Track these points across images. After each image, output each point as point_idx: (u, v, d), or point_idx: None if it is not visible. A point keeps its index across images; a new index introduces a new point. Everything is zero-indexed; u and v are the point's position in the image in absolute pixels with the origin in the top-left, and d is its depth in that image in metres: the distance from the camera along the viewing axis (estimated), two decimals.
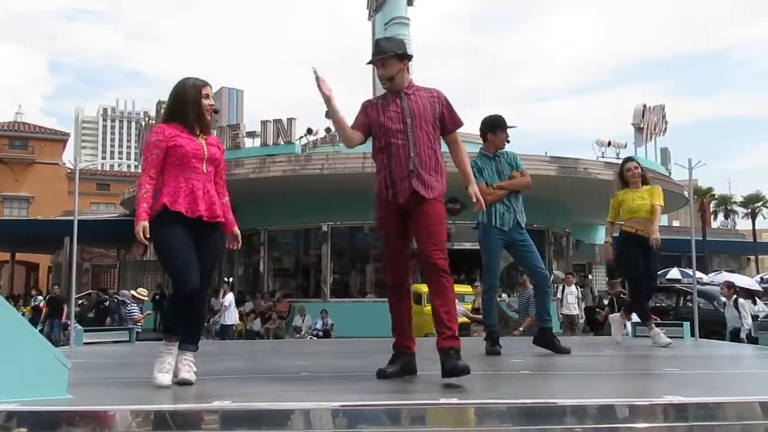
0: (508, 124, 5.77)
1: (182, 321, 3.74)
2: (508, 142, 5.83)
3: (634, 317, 7.33)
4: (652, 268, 6.50)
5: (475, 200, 3.94)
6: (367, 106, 4.07)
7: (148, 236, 3.56)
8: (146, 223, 3.57)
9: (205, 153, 3.77)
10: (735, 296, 11.69)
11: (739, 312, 11.41)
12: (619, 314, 7.04)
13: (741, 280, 17.66)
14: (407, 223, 3.91)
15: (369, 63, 4.08)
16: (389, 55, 3.97)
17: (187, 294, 3.60)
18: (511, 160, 5.75)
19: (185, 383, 3.63)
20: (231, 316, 15.76)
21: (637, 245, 6.26)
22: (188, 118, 3.77)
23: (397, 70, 3.98)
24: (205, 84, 3.88)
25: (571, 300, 14.76)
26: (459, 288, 13.29)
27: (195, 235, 3.68)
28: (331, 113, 4.00)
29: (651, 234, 6.18)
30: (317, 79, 3.90)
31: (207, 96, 3.83)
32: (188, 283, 3.59)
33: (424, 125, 3.93)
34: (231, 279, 20.92)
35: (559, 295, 15.21)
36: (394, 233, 3.95)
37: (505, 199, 5.58)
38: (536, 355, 5.45)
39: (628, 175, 6.47)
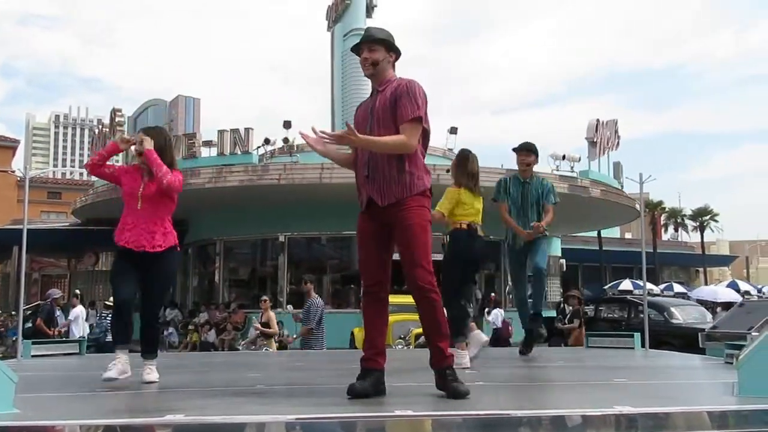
0: (525, 147, 6.22)
1: (119, 330, 4.47)
2: (528, 165, 6.23)
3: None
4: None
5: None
6: (354, 113, 3.91)
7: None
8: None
9: (140, 191, 4.41)
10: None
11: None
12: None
13: (725, 294, 18.11)
14: (381, 233, 3.67)
15: (356, 46, 3.79)
16: (376, 40, 3.75)
17: (116, 304, 4.49)
18: (539, 187, 6.20)
19: (148, 382, 4.30)
20: (79, 332, 13.68)
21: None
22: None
23: (382, 57, 3.73)
24: (139, 131, 4.64)
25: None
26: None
27: (140, 265, 4.38)
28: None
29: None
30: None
31: (138, 143, 4.47)
32: (116, 295, 4.50)
33: (384, 124, 3.62)
34: (78, 291, 19.43)
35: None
36: (365, 238, 3.72)
37: (519, 220, 6.09)
38: (490, 367, 5.49)
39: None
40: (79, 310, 13.27)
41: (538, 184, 6.25)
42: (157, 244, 4.41)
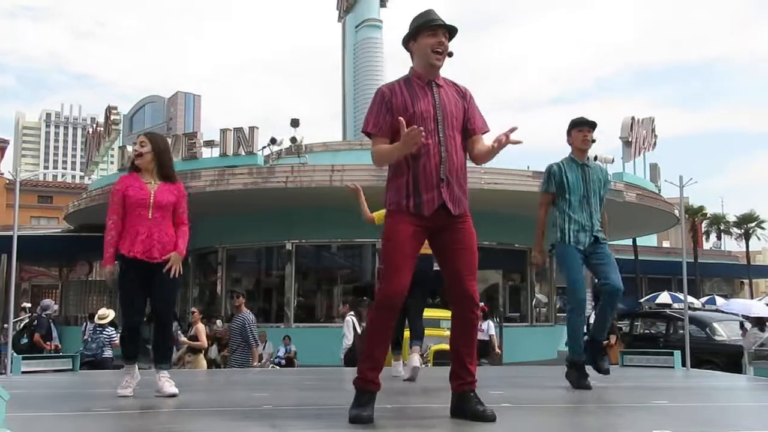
0: (589, 122, 5.57)
1: (131, 349, 4.89)
2: (594, 141, 5.63)
3: None
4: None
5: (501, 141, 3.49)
6: (389, 96, 3.61)
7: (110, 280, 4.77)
8: (113, 268, 4.72)
9: (151, 201, 4.72)
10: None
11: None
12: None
13: (759, 308, 17.90)
14: (422, 239, 3.62)
15: (431, 26, 3.62)
16: (450, 28, 3.64)
17: (128, 329, 4.85)
18: (601, 177, 5.59)
19: (171, 396, 4.63)
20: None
21: None
22: (134, 167, 4.88)
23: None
24: (139, 134, 5.04)
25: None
26: (438, 313, 13.38)
27: (147, 274, 4.68)
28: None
29: None
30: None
31: (139, 143, 4.84)
32: (127, 320, 4.83)
33: (456, 125, 3.59)
34: (25, 305, 17.79)
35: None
36: (407, 243, 3.53)
37: (580, 217, 5.42)
38: (517, 387, 5.48)
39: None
40: None
41: (597, 169, 5.63)
42: (156, 256, 4.72)
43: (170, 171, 4.92)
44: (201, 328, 11.71)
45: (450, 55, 3.64)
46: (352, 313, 12.49)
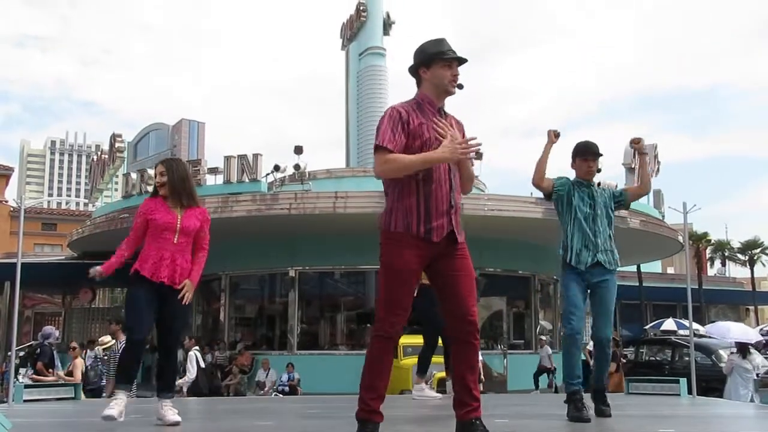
0: (594, 151, 5.34)
1: (127, 370, 4.70)
2: (599, 170, 5.49)
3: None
4: None
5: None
6: (406, 118, 3.59)
7: (96, 277, 4.75)
8: (102, 270, 4.74)
9: (178, 225, 4.74)
10: None
11: None
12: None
13: (738, 331, 17.62)
14: (423, 267, 3.59)
15: (449, 59, 3.66)
16: (462, 60, 3.72)
17: (132, 342, 4.66)
18: (603, 193, 5.36)
19: (174, 424, 4.55)
20: None
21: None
22: (158, 193, 4.86)
23: None
24: (158, 163, 4.99)
25: None
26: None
27: (161, 298, 4.66)
28: None
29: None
30: None
31: (158, 174, 4.86)
32: (134, 333, 4.64)
33: None
34: None
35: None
36: (411, 274, 3.52)
37: (588, 231, 5.18)
38: (521, 416, 5.43)
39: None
40: None
41: (601, 190, 5.41)
42: (185, 279, 4.77)
43: (189, 197, 4.92)
44: (78, 363, 11.34)
45: (461, 87, 3.68)
46: (197, 347, 12.51)
